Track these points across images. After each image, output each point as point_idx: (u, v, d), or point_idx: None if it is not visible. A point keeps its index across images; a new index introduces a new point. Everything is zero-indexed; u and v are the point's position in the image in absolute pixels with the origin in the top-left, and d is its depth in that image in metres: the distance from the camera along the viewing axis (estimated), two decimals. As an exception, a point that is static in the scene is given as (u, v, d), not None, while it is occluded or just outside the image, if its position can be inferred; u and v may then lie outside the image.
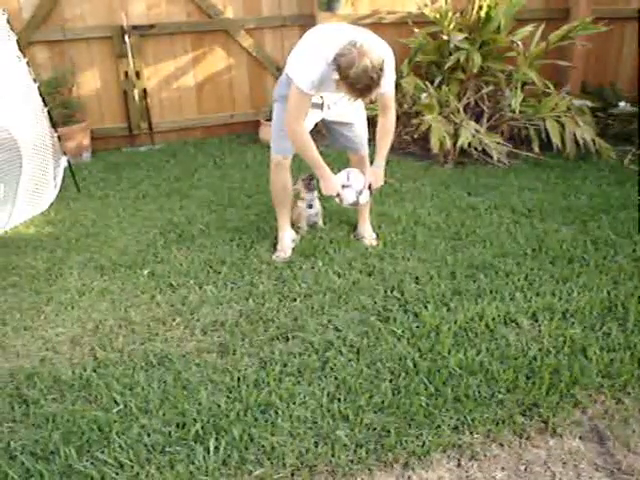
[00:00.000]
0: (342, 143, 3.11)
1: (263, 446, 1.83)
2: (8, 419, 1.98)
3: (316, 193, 3.25)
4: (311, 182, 3.22)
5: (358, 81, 2.36)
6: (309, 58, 2.58)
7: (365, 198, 2.93)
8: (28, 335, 2.45)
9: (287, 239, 3.13)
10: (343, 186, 2.84)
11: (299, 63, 2.63)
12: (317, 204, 3.33)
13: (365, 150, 3.12)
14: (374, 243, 3.19)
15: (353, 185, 2.86)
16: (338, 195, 2.85)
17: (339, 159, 3.65)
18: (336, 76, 2.42)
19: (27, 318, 2.57)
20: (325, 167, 2.80)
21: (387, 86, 2.66)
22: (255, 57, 5.29)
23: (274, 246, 3.14)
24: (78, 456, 1.80)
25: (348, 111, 2.94)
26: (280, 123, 2.85)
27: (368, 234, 3.25)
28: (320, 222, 3.40)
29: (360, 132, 3.07)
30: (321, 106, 2.86)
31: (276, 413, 1.96)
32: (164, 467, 1.75)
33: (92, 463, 1.78)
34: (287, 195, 3.12)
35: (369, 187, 2.91)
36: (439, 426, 1.89)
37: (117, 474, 1.73)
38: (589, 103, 4.82)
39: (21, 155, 3.18)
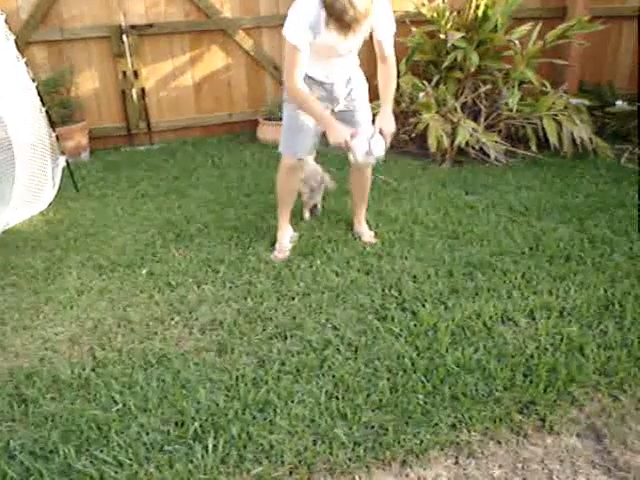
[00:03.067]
0: None
1: (261, 444, 1.84)
2: (7, 418, 1.98)
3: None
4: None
5: (343, 10, 2.29)
6: (297, 9, 2.53)
7: (379, 147, 2.68)
8: (27, 334, 2.46)
9: (286, 240, 3.14)
10: (352, 136, 2.65)
11: (288, 19, 2.57)
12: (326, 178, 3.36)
13: None
14: (372, 241, 3.19)
15: (362, 133, 2.68)
16: (348, 148, 2.65)
17: (337, 160, 3.66)
18: (324, 14, 2.38)
19: (26, 317, 2.58)
20: (330, 117, 2.72)
21: (384, 34, 2.67)
22: (253, 56, 5.29)
23: (272, 245, 3.14)
24: (77, 455, 1.81)
25: (357, 102, 2.93)
26: (289, 123, 2.85)
27: (366, 232, 3.26)
28: (319, 205, 3.46)
29: (365, 117, 2.98)
30: (331, 99, 2.85)
31: (274, 412, 1.96)
32: (163, 466, 1.76)
33: (91, 462, 1.79)
34: (293, 197, 3.12)
35: (380, 132, 2.71)
36: (437, 424, 1.90)
37: (116, 473, 1.74)
38: (586, 102, 4.83)
39: (19, 155, 3.18)
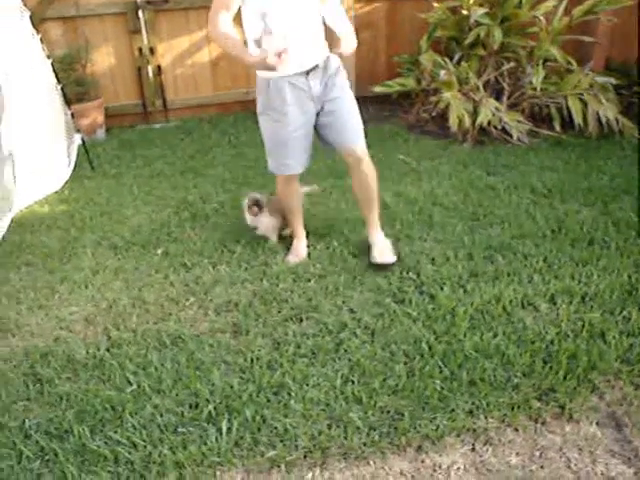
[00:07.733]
0: (334, 138, 2.64)
1: (276, 428, 1.82)
2: (23, 397, 2.00)
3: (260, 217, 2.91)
4: (253, 207, 2.87)
5: None
6: None
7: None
8: (42, 314, 2.47)
9: (303, 248, 2.86)
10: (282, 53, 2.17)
11: None
12: (263, 224, 2.95)
13: (362, 143, 2.64)
14: (388, 259, 2.69)
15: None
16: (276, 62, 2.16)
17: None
18: None
19: (41, 297, 2.58)
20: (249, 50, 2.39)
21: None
22: (270, 33, 5.20)
23: (288, 249, 2.92)
24: (92, 435, 1.82)
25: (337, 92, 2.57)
26: (270, 138, 2.67)
27: (380, 243, 2.78)
28: (274, 238, 2.98)
29: (352, 113, 2.62)
30: (312, 97, 2.52)
31: (289, 395, 1.95)
32: (176, 447, 1.76)
33: (105, 442, 1.79)
34: (299, 202, 2.86)
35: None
36: (453, 410, 1.87)
37: (130, 454, 1.74)
38: (613, 80, 4.67)
39: (34, 133, 3.17)
